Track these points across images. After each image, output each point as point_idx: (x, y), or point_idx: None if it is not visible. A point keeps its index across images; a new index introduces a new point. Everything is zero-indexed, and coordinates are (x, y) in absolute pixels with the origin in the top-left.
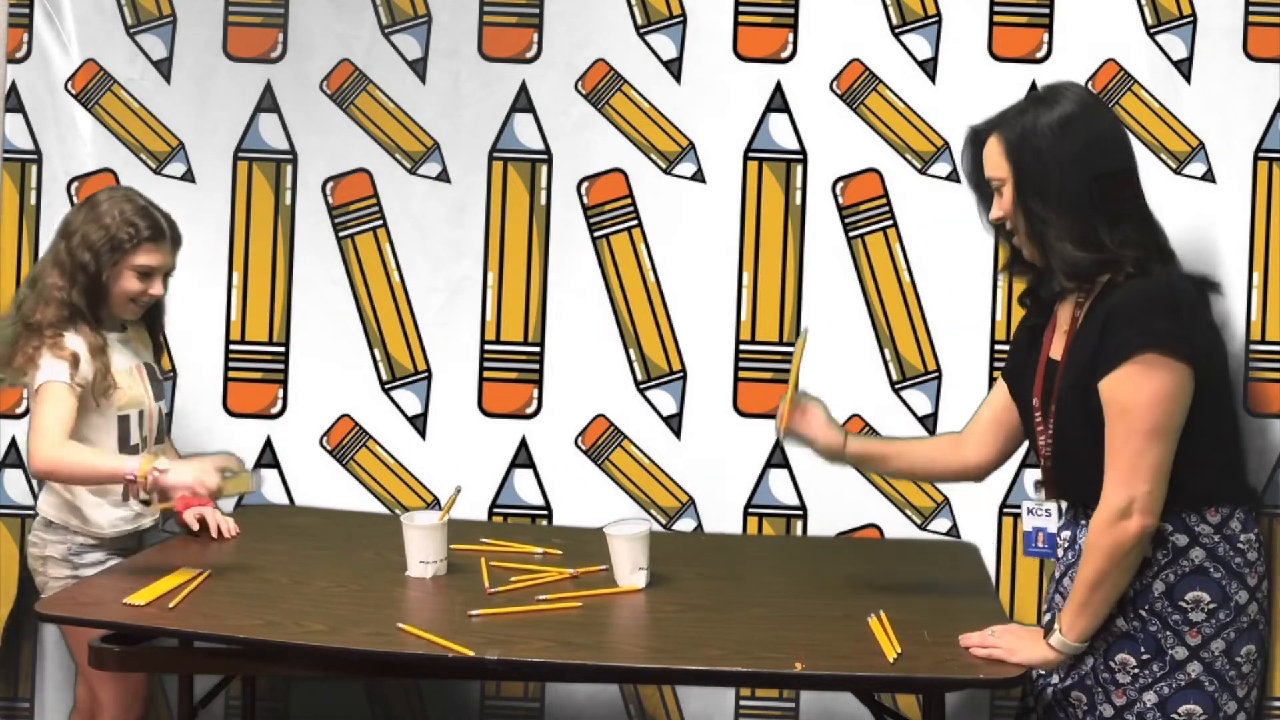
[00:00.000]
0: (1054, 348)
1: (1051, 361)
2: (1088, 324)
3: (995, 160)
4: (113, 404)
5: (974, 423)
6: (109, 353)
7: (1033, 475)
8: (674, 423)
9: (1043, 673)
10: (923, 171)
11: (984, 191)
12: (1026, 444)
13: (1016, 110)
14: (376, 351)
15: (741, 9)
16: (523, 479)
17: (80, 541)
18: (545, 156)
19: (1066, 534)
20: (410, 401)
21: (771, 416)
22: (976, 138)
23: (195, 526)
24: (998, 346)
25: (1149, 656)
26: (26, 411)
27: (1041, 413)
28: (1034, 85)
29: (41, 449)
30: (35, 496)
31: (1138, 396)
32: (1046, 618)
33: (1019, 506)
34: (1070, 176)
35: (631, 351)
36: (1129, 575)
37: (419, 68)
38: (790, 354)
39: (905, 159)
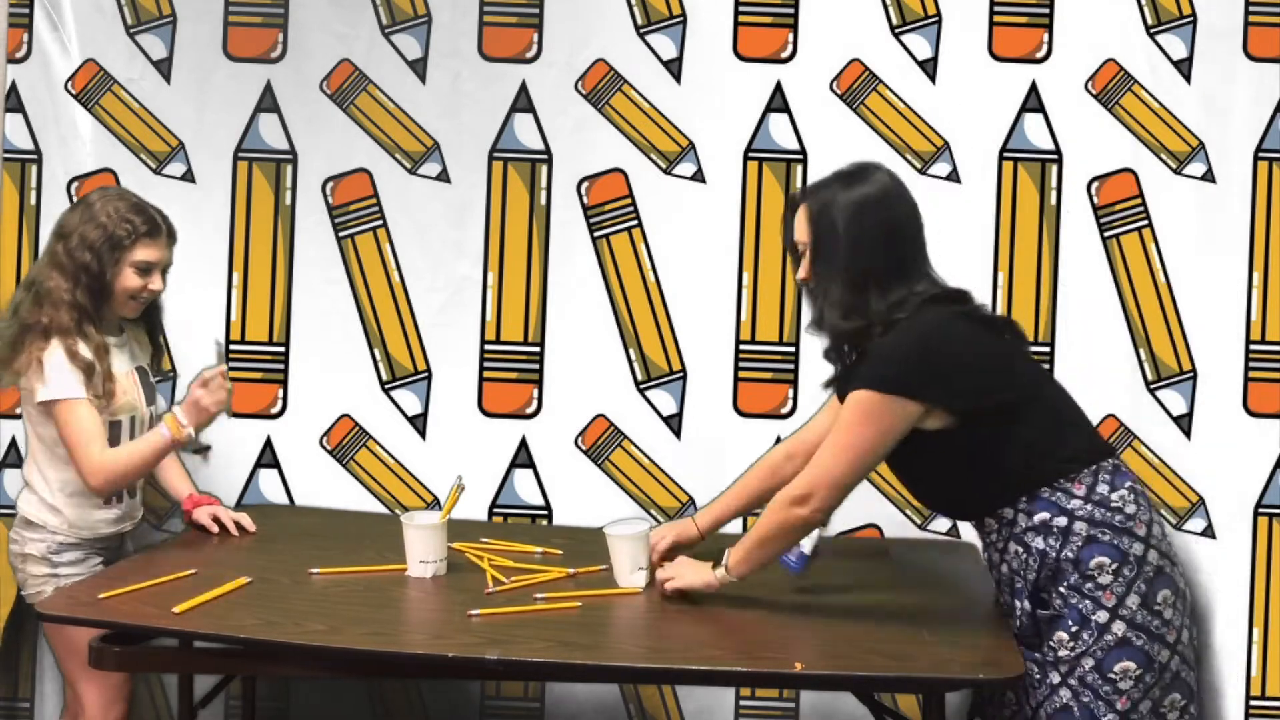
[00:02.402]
0: None
1: None
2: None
3: (801, 225)
4: (108, 409)
5: (810, 432)
6: (109, 357)
7: None
8: (674, 423)
9: None
10: (923, 171)
11: (795, 253)
12: None
13: (825, 182)
14: (376, 351)
15: (741, 9)
16: (523, 479)
17: (60, 540)
18: (545, 156)
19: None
20: (410, 401)
21: (772, 416)
22: (792, 203)
23: (213, 527)
24: None
25: (1077, 628)
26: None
27: None
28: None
29: (92, 470)
30: None
31: (847, 415)
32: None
33: None
34: (854, 254)
35: (631, 351)
36: (790, 544)
37: (419, 68)
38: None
39: (905, 159)
